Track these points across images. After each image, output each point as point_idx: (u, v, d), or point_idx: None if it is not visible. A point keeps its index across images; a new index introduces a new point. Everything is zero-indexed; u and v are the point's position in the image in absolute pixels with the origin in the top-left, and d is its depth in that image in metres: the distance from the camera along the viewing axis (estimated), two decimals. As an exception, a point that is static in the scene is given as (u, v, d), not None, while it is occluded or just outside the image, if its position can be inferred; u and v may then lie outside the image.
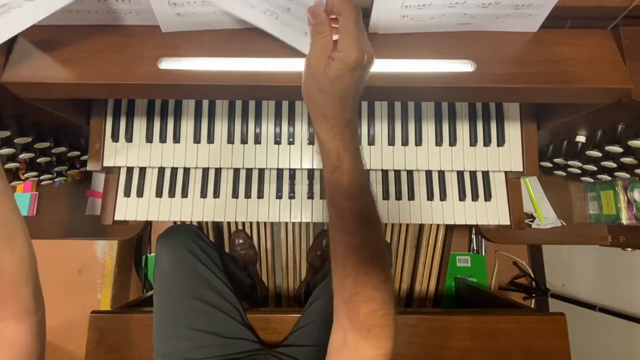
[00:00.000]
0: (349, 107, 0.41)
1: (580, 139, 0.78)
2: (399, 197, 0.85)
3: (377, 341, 0.42)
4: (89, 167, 0.82)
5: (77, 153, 0.86)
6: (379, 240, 0.44)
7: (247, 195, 0.85)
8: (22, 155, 0.74)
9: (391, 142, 0.83)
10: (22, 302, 0.48)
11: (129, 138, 0.82)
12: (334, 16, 0.41)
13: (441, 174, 0.87)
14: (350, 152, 0.42)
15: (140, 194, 0.85)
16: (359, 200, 0.42)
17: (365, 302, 0.42)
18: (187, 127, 0.83)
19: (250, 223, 1.42)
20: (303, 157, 0.82)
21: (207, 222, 1.38)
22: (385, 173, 0.86)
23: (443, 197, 0.85)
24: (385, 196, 0.85)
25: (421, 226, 1.38)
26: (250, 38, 0.59)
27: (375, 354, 0.43)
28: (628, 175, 0.76)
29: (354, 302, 0.42)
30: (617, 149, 0.69)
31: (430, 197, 0.85)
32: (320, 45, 0.40)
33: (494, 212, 0.84)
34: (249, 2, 0.52)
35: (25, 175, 0.81)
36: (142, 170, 0.86)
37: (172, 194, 0.85)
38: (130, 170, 0.86)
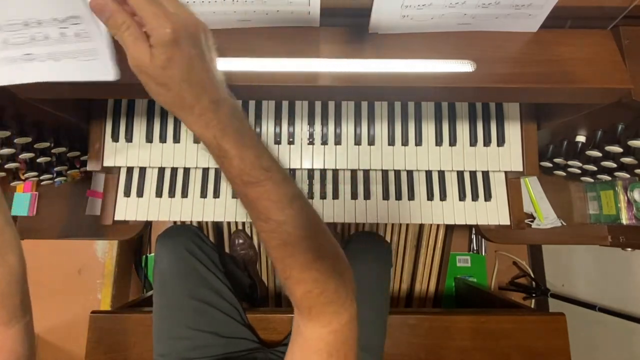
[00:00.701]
0: (204, 87, 0.35)
1: (580, 139, 0.78)
2: (399, 197, 0.85)
3: (320, 319, 0.42)
4: (89, 167, 0.82)
5: (77, 153, 0.86)
6: (301, 219, 0.40)
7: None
8: (22, 155, 0.74)
9: (391, 142, 0.83)
10: (10, 310, 0.48)
11: (129, 138, 0.82)
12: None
13: (441, 174, 0.87)
14: (231, 135, 0.36)
15: (140, 194, 0.85)
16: (260, 184, 0.37)
17: (298, 284, 0.41)
18: (187, 127, 0.83)
19: (250, 223, 1.42)
20: (303, 157, 0.83)
21: (207, 222, 1.38)
22: (385, 173, 0.86)
23: (443, 197, 0.85)
24: (385, 196, 0.85)
25: (421, 226, 1.38)
26: (250, 38, 0.59)
27: (321, 332, 0.42)
28: (628, 175, 0.76)
29: (288, 286, 0.41)
30: (617, 149, 0.69)
31: (430, 197, 0.85)
32: (131, 39, 0.32)
33: (494, 212, 0.84)
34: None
35: (25, 175, 0.80)
36: (142, 170, 0.86)
37: (172, 194, 0.85)
38: (130, 170, 0.86)
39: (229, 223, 1.41)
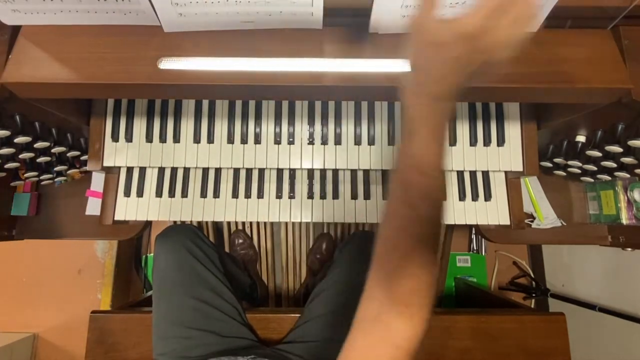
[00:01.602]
0: (441, 81, 0.38)
1: (580, 139, 0.78)
2: (399, 197, 0.85)
3: (412, 320, 0.41)
4: (89, 167, 0.82)
5: (77, 153, 0.86)
6: (436, 223, 0.42)
7: (247, 195, 0.85)
8: (22, 155, 0.74)
9: (391, 142, 0.83)
10: None
11: (129, 138, 0.82)
12: None
13: (441, 174, 0.87)
14: (429, 127, 0.39)
15: (140, 194, 0.85)
16: (427, 177, 0.40)
17: (410, 277, 0.41)
18: (187, 127, 0.83)
19: (250, 223, 1.42)
20: (303, 157, 0.82)
21: (207, 222, 1.38)
22: (385, 173, 0.86)
23: (443, 197, 0.85)
24: (386, 196, 0.85)
25: (421, 226, 1.38)
26: (250, 38, 0.59)
27: (408, 334, 0.41)
28: (628, 175, 0.76)
29: (398, 276, 0.41)
30: (617, 149, 0.69)
31: (430, 197, 0.85)
32: (423, 11, 0.37)
33: (494, 212, 0.84)
34: None
35: (25, 175, 0.81)
36: (142, 170, 0.86)
37: (172, 194, 0.85)
38: (130, 170, 0.86)
39: (228, 223, 1.41)
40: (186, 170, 0.86)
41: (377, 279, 0.43)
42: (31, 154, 0.74)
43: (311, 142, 0.83)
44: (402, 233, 0.41)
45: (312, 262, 1.37)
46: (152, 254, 1.61)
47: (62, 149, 0.80)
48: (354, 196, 0.85)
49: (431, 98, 0.39)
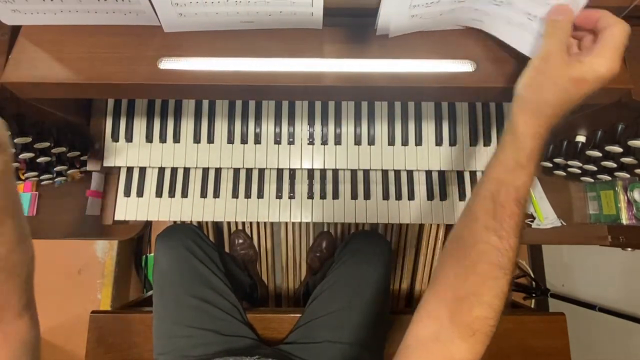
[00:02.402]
0: (560, 114, 0.42)
1: (580, 139, 0.78)
2: (399, 197, 0.85)
3: (475, 347, 0.42)
4: (89, 167, 0.82)
5: (77, 153, 0.85)
6: (516, 256, 0.43)
7: (247, 195, 0.85)
8: (22, 155, 0.74)
9: (391, 142, 0.83)
10: (24, 301, 0.49)
11: (129, 138, 0.82)
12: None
13: (441, 173, 0.87)
14: (537, 160, 0.42)
15: (140, 194, 0.85)
16: (522, 207, 0.42)
17: (482, 305, 0.41)
18: (187, 127, 0.83)
19: (250, 223, 1.42)
20: (303, 157, 0.83)
21: (207, 222, 1.38)
22: (385, 173, 0.86)
23: (443, 197, 0.85)
24: (385, 196, 0.85)
25: (421, 226, 1.38)
26: (250, 38, 0.59)
27: (469, 358, 0.42)
28: (628, 176, 0.76)
29: (469, 302, 0.41)
30: (617, 149, 0.69)
31: (430, 197, 0.85)
32: (561, 40, 0.42)
33: (494, 212, 0.84)
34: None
35: (25, 175, 0.80)
36: (142, 170, 0.86)
37: (172, 194, 0.85)
38: (130, 170, 0.86)
39: (229, 223, 1.41)
40: (186, 170, 0.87)
41: (444, 299, 0.43)
42: (31, 154, 0.74)
43: (311, 142, 0.83)
44: (484, 259, 0.41)
45: (312, 261, 1.37)
46: (152, 254, 1.61)
47: (62, 149, 0.80)
48: (354, 196, 0.85)
49: (547, 129, 0.42)
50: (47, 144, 0.76)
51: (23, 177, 0.81)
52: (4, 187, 0.43)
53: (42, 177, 0.83)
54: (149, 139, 0.82)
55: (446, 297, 0.43)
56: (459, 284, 0.42)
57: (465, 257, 0.43)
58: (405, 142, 0.82)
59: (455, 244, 0.45)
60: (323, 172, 0.87)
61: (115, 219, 0.84)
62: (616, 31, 0.40)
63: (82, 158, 0.88)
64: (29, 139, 0.71)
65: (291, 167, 0.83)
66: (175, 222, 1.15)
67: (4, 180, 0.42)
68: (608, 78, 0.40)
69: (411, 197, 0.85)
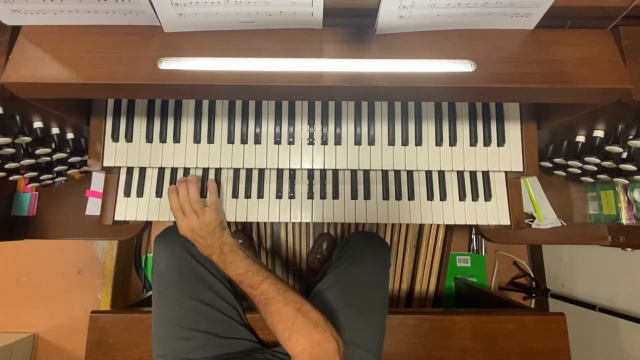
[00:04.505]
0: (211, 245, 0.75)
1: (580, 139, 0.78)
2: (399, 197, 0.85)
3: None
4: (89, 167, 0.82)
5: (78, 159, 0.85)
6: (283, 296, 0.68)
7: (247, 195, 0.85)
8: (24, 162, 0.74)
9: (391, 142, 0.83)
10: None
11: (129, 138, 0.82)
12: None
13: (441, 174, 0.87)
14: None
15: (140, 194, 0.85)
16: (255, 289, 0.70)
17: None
18: (187, 127, 0.83)
19: (250, 223, 1.42)
20: (303, 157, 0.83)
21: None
22: (385, 173, 0.86)
23: (443, 197, 0.85)
24: (385, 196, 0.85)
25: (421, 226, 1.38)
26: (250, 38, 0.59)
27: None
28: (627, 182, 0.77)
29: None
30: (617, 149, 0.69)
31: (430, 197, 0.85)
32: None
33: (494, 212, 0.84)
34: None
35: (25, 175, 0.81)
36: (142, 170, 0.86)
37: (172, 194, 0.85)
38: (130, 170, 0.86)
39: (228, 223, 1.41)
40: (186, 171, 0.86)
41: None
42: (32, 161, 0.75)
43: (311, 142, 0.83)
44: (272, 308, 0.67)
45: (312, 262, 1.37)
46: (152, 254, 1.61)
47: (62, 155, 0.80)
48: (354, 196, 0.85)
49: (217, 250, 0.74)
50: (47, 150, 0.76)
51: (23, 177, 0.81)
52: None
53: (42, 177, 0.83)
54: (149, 139, 0.82)
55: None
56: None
57: (275, 318, 0.66)
58: (405, 142, 0.82)
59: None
60: (323, 172, 0.87)
61: (115, 219, 0.83)
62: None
63: (82, 158, 0.88)
64: (29, 139, 0.71)
65: (291, 167, 0.83)
66: (174, 222, 1.15)
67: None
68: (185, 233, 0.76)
69: (411, 197, 0.85)
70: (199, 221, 0.74)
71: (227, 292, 0.81)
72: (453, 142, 0.82)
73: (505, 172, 0.85)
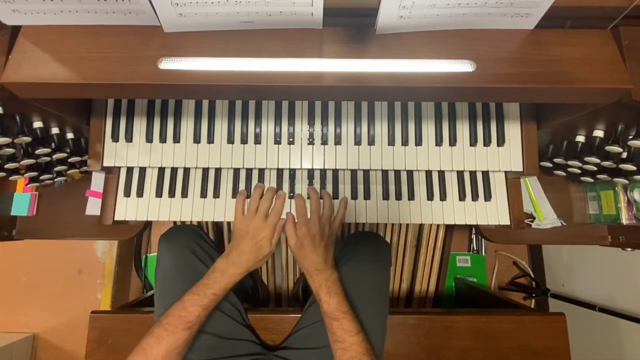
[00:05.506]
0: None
1: (580, 139, 0.78)
2: (399, 197, 0.85)
3: None
4: (89, 167, 0.82)
5: (78, 159, 0.85)
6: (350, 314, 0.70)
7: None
8: (24, 162, 0.74)
9: (391, 142, 0.83)
10: None
11: (129, 138, 0.82)
12: None
13: (441, 174, 0.87)
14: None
15: (140, 194, 0.85)
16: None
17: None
18: (187, 127, 0.83)
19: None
20: (303, 157, 0.83)
21: (207, 222, 1.38)
22: (385, 173, 0.86)
23: (443, 197, 0.85)
24: (385, 196, 0.85)
25: (421, 226, 1.38)
26: (250, 38, 0.59)
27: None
28: (627, 182, 0.76)
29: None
30: (617, 149, 0.69)
31: (430, 197, 0.85)
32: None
33: (494, 212, 0.84)
34: None
35: (25, 175, 0.80)
36: (142, 170, 0.86)
37: (172, 194, 0.85)
38: (130, 170, 0.86)
39: (229, 223, 1.41)
40: (186, 171, 0.86)
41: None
42: (32, 161, 0.75)
43: (311, 142, 0.83)
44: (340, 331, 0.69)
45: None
46: (152, 254, 1.61)
47: (62, 155, 0.80)
48: (354, 196, 0.85)
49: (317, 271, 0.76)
50: (47, 150, 0.76)
51: (23, 177, 0.81)
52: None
53: (42, 177, 0.83)
54: (149, 139, 0.82)
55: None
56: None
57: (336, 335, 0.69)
58: (405, 142, 0.82)
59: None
60: (323, 172, 0.87)
61: (115, 219, 0.83)
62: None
63: (82, 158, 0.88)
64: (29, 139, 0.71)
65: (291, 167, 0.83)
66: (175, 222, 1.15)
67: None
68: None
69: (411, 197, 0.85)
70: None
71: (229, 292, 0.81)
72: (453, 142, 0.82)
73: (505, 172, 0.86)
